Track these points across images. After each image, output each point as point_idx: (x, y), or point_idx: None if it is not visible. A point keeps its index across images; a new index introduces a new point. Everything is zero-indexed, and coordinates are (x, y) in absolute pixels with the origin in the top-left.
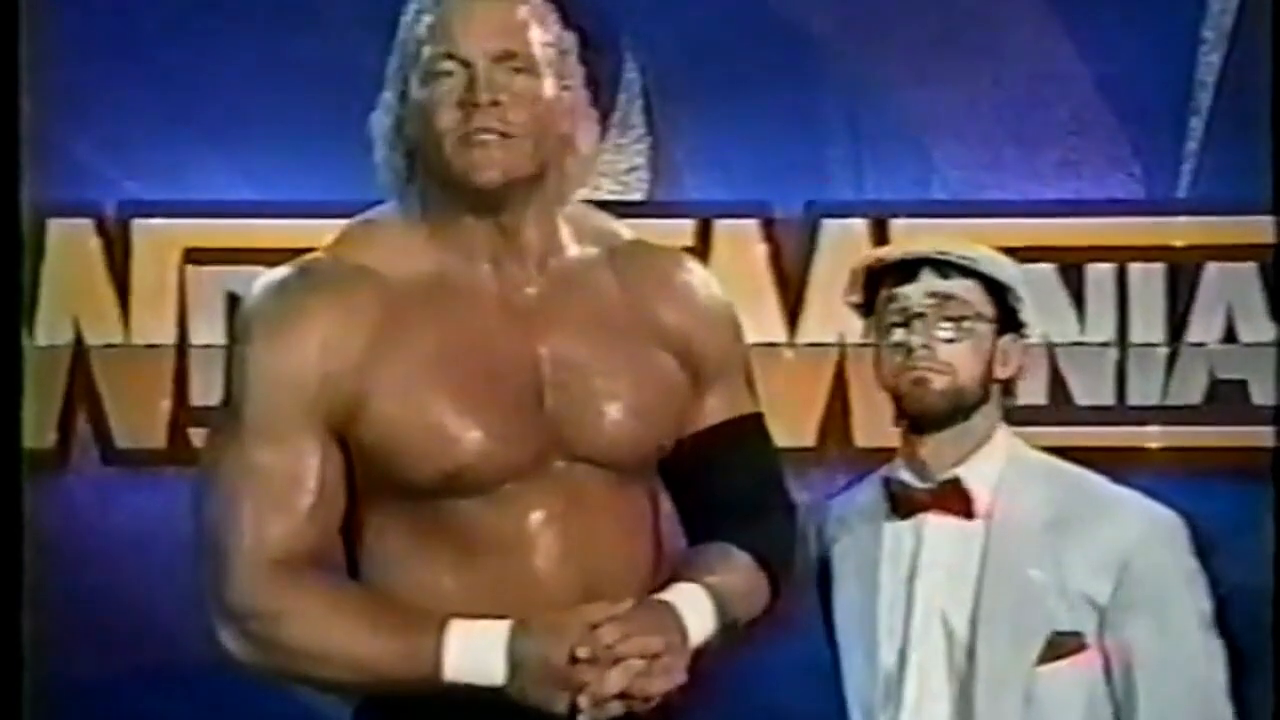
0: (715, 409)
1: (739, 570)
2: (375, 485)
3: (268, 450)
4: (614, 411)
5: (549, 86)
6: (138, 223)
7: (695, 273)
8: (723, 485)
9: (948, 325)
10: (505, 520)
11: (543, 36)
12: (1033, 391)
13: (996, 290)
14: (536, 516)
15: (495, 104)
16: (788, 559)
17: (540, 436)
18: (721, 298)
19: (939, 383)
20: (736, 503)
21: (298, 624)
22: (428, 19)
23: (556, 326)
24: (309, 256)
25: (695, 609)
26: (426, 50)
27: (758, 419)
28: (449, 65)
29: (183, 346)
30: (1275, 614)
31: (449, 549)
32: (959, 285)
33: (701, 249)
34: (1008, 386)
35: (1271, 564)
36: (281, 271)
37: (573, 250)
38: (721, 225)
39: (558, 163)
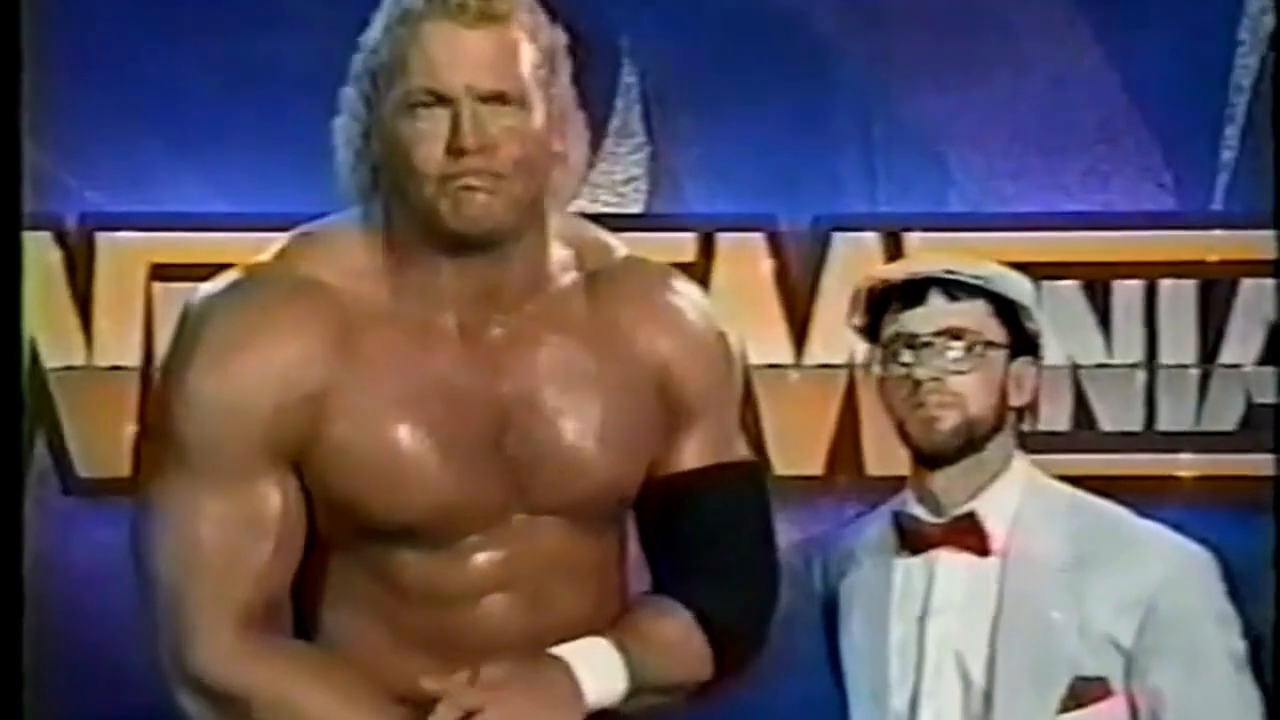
0: (693, 450)
1: (670, 629)
2: (325, 524)
3: (223, 495)
4: (578, 464)
5: (539, 114)
6: (101, 236)
7: (684, 297)
8: (690, 536)
9: (957, 352)
10: (457, 572)
11: (533, 57)
12: (1056, 417)
13: (1008, 310)
14: (491, 570)
15: (483, 149)
16: (751, 627)
17: (500, 490)
18: (712, 327)
19: (948, 420)
20: (701, 557)
21: (269, 704)
22: (403, 34)
23: (523, 369)
24: (257, 266)
25: (595, 666)
26: (404, 80)
27: (744, 468)
28: (429, 99)
29: (149, 368)
30: (1276, 644)
31: (396, 598)
32: (968, 308)
33: (704, 264)
34: (1023, 413)
35: (1274, 596)
36: (227, 283)
37: (556, 279)
38: (725, 239)
39: (546, 186)
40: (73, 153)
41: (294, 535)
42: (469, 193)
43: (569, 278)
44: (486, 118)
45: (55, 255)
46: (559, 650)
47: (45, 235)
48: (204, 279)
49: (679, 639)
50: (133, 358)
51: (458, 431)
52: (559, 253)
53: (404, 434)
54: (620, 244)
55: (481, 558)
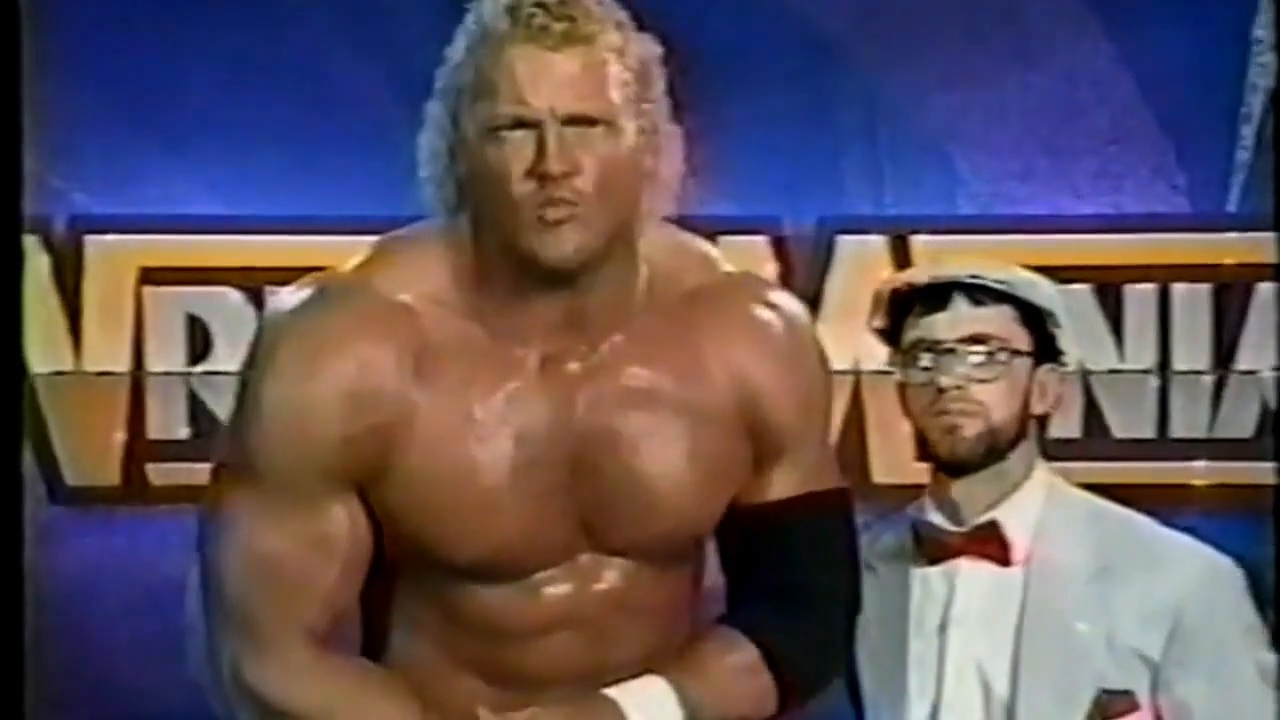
0: (780, 481)
1: (732, 665)
2: (390, 549)
3: (293, 513)
4: (648, 507)
5: (629, 136)
6: (90, 239)
7: (782, 317)
8: (769, 567)
9: (980, 360)
10: (521, 608)
11: (622, 76)
12: (1067, 424)
13: (1033, 316)
14: (555, 607)
15: (568, 174)
16: (821, 663)
17: (568, 529)
18: (809, 349)
19: (971, 428)
20: (778, 589)
21: None
22: (486, 55)
23: (600, 406)
24: (337, 278)
25: (648, 707)
26: (488, 103)
27: (830, 498)
28: (513, 122)
29: (138, 374)
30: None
31: (457, 628)
32: (992, 313)
33: None
34: (1045, 421)
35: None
36: (306, 295)
37: (645, 304)
38: (728, 242)
39: (636, 209)
40: (61, 155)
41: (360, 557)
42: (554, 224)
43: (660, 300)
44: (572, 141)
45: (43, 259)
46: (611, 691)
47: (32, 239)
48: (194, 282)
49: (742, 675)
50: (122, 363)
51: (529, 470)
52: (651, 274)
53: (473, 471)
54: (720, 257)
55: (546, 595)
